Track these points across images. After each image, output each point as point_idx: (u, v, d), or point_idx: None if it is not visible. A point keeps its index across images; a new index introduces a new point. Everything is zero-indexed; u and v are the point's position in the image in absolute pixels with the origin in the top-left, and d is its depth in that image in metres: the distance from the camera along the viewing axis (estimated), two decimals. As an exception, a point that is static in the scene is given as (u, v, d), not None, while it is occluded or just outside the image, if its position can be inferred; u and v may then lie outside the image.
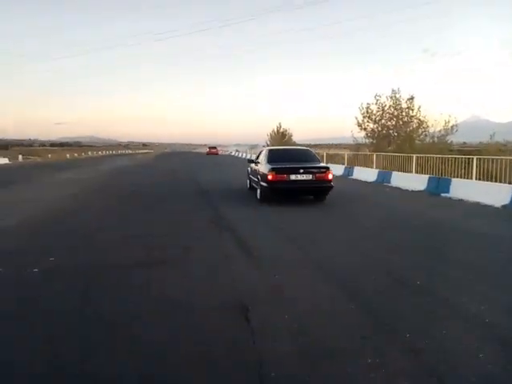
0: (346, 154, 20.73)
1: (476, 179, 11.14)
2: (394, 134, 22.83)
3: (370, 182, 15.57)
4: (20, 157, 41.24)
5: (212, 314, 3.33)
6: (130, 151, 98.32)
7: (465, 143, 45.20)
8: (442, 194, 11.42)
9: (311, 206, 9.51)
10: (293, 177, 9.12)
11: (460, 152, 18.31)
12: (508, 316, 3.30)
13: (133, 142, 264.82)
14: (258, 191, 9.89)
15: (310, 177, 9.20)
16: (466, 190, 10.79)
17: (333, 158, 22.92)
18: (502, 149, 16.65)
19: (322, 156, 21.67)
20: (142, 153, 79.85)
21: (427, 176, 12.90)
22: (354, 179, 17.17)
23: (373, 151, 19.90)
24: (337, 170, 19.39)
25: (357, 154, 20.67)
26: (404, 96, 21.95)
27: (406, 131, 22.15)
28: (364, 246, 5.70)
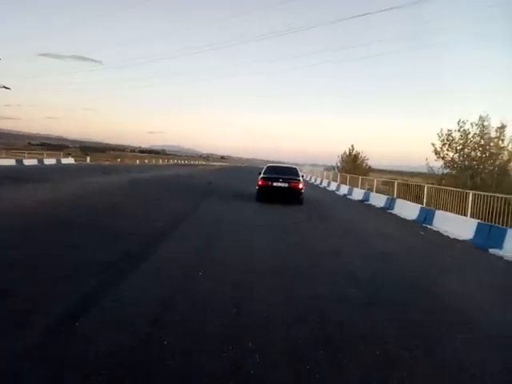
0: (396, 182, 17.34)
1: None
2: (479, 167, 18.85)
3: (409, 220, 12.33)
4: (88, 158, 44.08)
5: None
6: (203, 162, 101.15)
7: None
8: (491, 250, 8.07)
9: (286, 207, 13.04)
10: (274, 183, 13.60)
11: None
12: None
13: (213, 155, 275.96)
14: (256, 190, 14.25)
15: (286, 184, 13.57)
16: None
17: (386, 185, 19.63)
18: None
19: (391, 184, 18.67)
20: (211, 165, 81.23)
21: (476, 221, 9.49)
22: (392, 214, 13.97)
23: (450, 183, 16.50)
24: (379, 201, 16.33)
25: (407, 184, 17.21)
26: (494, 124, 17.90)
27: (493, 164, 18.13)
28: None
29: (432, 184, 16.10)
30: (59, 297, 3.95)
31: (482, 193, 10.89)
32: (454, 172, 19.20)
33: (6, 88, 57.75)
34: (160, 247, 6.41)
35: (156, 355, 2.93)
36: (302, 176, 15.61)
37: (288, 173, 14.39)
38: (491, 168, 18.24)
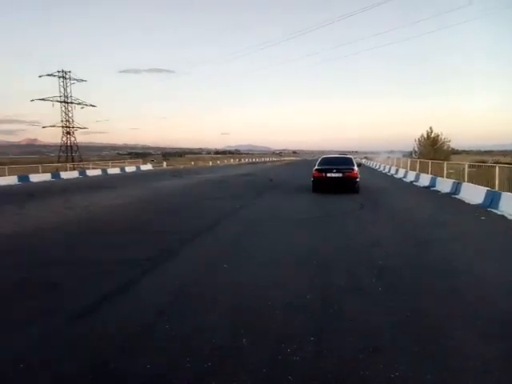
0: (467, 164, 15.82)
1: None
2: None
3: (473, 205, 11.31)
4: (164, 164, 47.34)
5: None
6: (274, 158, 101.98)
7: None
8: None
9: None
10: (328, 174, 13.85)
11: None
12: None
13: (285, 150, 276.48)
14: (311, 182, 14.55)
15: (340, 174, 13.79)
16: None
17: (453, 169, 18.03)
18: None
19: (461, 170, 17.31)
20: (281, 161, 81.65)
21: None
22: (456, 199, 12.90)
23: None
24: (445, 186, 15.17)
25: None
26: None
27: None
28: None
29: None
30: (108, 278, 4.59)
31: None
32: None
33: (93, 106, 64.85)
34: (197, 243, 6.90)
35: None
36: (359, 164, 15.97)
37: (342, 163, 14.53)
38: None
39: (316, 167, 14.23)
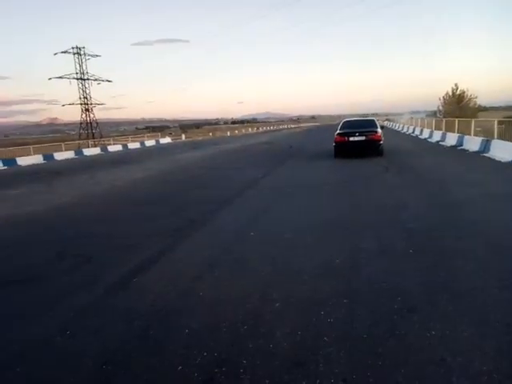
0: (496, 120, 15.09)
1: None
2: None
3: (504, 163, 10.88)
4: (183, 136, 47.45)
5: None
6: (292, 125, 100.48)
7: None
8: None
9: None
10: (351, 138, 13.49)
11: None
12: None
13: (303, 116, 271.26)
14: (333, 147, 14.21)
15: (363, 138, 13.40)
16: None
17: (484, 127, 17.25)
18: None
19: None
20: (298, 127, 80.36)
21: None
22: (485, 157, 12.43)
23: None
24: (473, 144, 14.61)
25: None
26: None
27: None
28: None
29: None
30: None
31: None
32: None
33: (109, 81, 64.88)
34: (224, 213, 6.97)
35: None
36: (382, 127, 15.57)
37: (364, 126, 14.19)
38: None
39: (338, 131, 13.95)
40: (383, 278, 3.70)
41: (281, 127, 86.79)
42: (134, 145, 36.29)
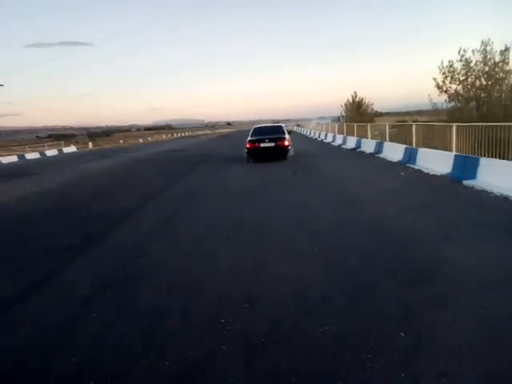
0: (388, 125, 16.75)
1: None
2: (485, 97, 17.72)
3: (394, 163, 12.08)
4: (90, 144, 44.30)
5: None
6: (208, 131, 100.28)
7: None
8: (465, 182, 7.88)
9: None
10: (261, 144, 14.32)
11: None
12: None
13: (218, 122, 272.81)
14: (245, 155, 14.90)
15: (272, 144, 14.30)
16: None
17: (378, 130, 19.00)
18: None
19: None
20: (213, 134, 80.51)
21: (453, 154, 9.22)
22: (379, 158, 13.70)
23: (456, 118, 15.88)
24: (369, 147, 16.00)
25: (397, 124, 16.62)
26: (497, 47, 16.51)
27: (500, 90, 16.98)
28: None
29: (445, 121, 15.38)
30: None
31: (466, 124, 10.49)
32: (458, 105, 18.26)
33: (0, 85, 57.88)
34: (123, 228, 6.53)
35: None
36: (290, 132, 16.33)
37: (273, 132, 15.15)
38: (498, 95, 17.30)
39: (249, 138, 14.60)
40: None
41: (197, 134, 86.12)
42: (32, 155, 32.83)
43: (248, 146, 14.46)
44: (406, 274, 3.73)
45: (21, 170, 19.93)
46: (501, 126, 8.71)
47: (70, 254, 5.12)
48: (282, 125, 17.09)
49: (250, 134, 15.13)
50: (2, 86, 59.08)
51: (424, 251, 4.34)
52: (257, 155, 14.37)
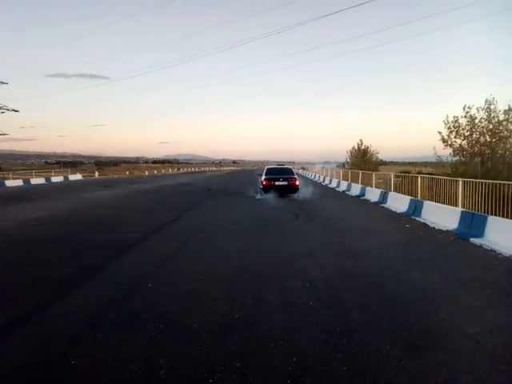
0: (393, 174, 16.82)
1: None
2: (489, 153, 18.13)
3: (399, 213, 11.97)
4: (96, 173, 44.78)
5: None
6: (214, 168, 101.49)
7: None
8: (472, 239, 7.72)
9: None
10: (277, 183, 16.80)
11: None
12: None
13: (225, 160, 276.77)
14: (260, 189, 17.46)
15: (285, 182, 16.92)
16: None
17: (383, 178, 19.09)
18: None
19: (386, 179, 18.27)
20: (220, 170, 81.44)
21: (459, 210, 9.13)
22: (384, 208, 13.62)
23: (460, 172, 16.23)
24: (373, 195, 15.99)
25: (405, 175, 16.70)
26: (501, 106, 17.18)
27: (504, 148, 17.43)
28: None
29: (449, 174, 15.50)
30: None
31: (473, 180, 10.48)
32: (463, 159, 18.58)
33: (15, 111, 59.44)
34: (123, 261, 6.38)
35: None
36: (297, 174, 19.69)
37: (285, 172, 17.98)
38: (502, 152, 17.61)
39: (264, 176, 17.16)
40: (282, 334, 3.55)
41: (203, 169, 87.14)
42: (37, 180, 33.10)
43: (264, 183, 16.90)
44: (407, 340, 3.53)
45: (24, 195, 19.98)
46: (508, 184, 8.68)
47: (63, 286, 4.95)
48: (291, 167, 20.02)
49: (264, 173, 17.62)
50: (18, 111, 60.95)
51: (429, 312, 4.14)
52: (271, 190, 16.61)
